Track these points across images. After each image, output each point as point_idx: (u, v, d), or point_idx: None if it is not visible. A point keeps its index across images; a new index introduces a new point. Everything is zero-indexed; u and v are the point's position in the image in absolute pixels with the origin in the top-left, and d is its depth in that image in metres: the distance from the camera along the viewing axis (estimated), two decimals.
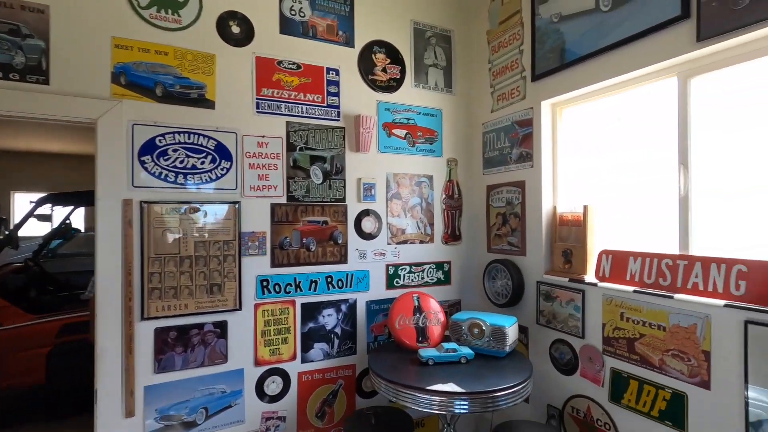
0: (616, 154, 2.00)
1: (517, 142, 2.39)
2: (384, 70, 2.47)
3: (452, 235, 2.70)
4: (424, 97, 2.61)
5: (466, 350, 2.01)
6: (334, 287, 2.31)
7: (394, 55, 2.50)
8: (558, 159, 2.25)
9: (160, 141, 1.93)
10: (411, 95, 2.57)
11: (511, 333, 2.07)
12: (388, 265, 2.48)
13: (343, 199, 2.35)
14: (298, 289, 2.22)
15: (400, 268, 2.52)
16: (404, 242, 2.53)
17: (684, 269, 1.64)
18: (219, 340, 2.04)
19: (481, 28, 2.67)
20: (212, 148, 2.04)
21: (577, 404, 2.04)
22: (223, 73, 2.08)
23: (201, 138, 2.01)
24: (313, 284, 2.26)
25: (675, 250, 1.73)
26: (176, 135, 1.97)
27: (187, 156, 1.98)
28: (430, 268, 2.61)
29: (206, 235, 2.02)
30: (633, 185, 1.94)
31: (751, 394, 1.41)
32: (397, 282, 2.51)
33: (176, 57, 1.97)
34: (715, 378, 1.51)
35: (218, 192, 2.05)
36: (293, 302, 2.22)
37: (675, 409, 1.63)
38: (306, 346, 2.25)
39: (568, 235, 2.16)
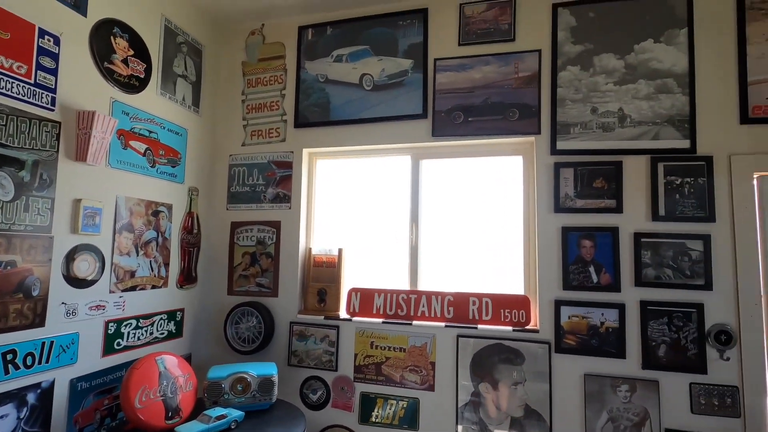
0: (364, 205, 2.40)
1: (274, 182, 2.39)
2: (126, 62, 1.88)
3: (188, 277, 2.28)
4: (170, 110, 2.15)
5: (235, 412, 1.75)
6: (17, 368, 1.44)
7: (139, 48, 1.96)
8: (314, 204, 2.42)
9: None
10: (156, 104, 2.06)
11: (277, 381, 1.98)
12: (108, 322, 1.79)
13: (48, 229, 1.55)
14: None
15: (125, 323, 1.88)
16: (133, 288, 1.92)
17: (415, 301, 2.16)
18: None
19: (235, 56, 2.53)
20: None
21: None
22: None
23: None
24: None
25: (407, 286, 2.25)
26: None
27: None
28: (161, 319, 2.09)
29: None
30: (377, 233, 2.37)
31: (460, 385, 2.02)
32: (118, 344, 1.85)
33: None
34: (438, 381, 2.06)
35: None
36: None
37: (411, 414, 2.08)
38: None
39: (321, 276, 2.34)
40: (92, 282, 1.72)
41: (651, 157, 1.90)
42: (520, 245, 2.12)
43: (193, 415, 1.77)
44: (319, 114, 2.35)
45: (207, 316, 2.41)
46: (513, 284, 2.13)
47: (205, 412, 1.70)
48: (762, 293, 1.75)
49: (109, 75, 1.79)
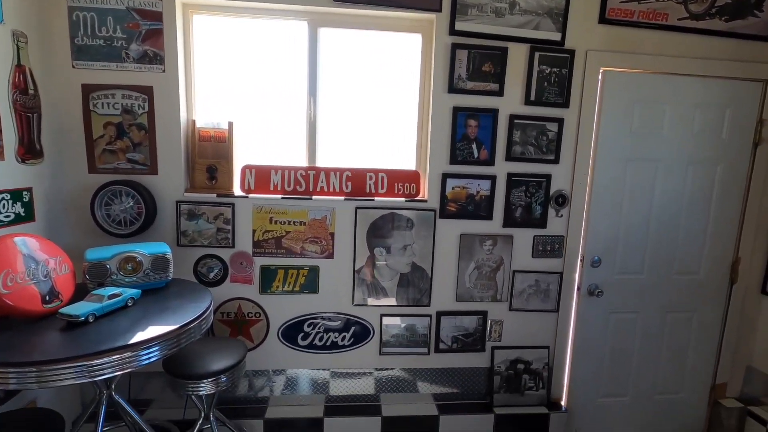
0: (256, 75, 2.17)
1: (138, 36, 1.96)
2: None
3: (30, 150, 1.84)
4: None
5: (131, 290, 1.63)
6: None
7: None
8: (194, 68, 2.09)
9: None
10: None
11: (172, 258, 1.87)
12: None
13: None
14: None
15: None
16: None
17: (314, 177, 2.18)
18: None
19: None
20: None
21: (226, 308, 2.21)
22: None
23: None
24: None
25: (305, 162, 2.23)
26: None
27: None
28: (4, 199, 1.69)
29: None
30: (271, 107, 2.21)
31: (357, 252, 2.22)
32: None
33: None
34: (337, 250, 2.21)
35: None
36: None
37: (311, 280, 2.23)
38: None
39: (209, 151, 2.13)
40: None
41: (531, 47, 2.13)
42: (414, 123, 2.25)
43: (76, 299, 1.59)
44: None
45: (64, 198, 2.03)
46: (405, 160, 2.29)
47: (95, 291, 1.55)
48: (590, 165, 2.26)
49: None
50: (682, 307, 2.44)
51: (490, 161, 2.20)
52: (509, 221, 2.26)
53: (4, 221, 1.71)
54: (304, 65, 2.15)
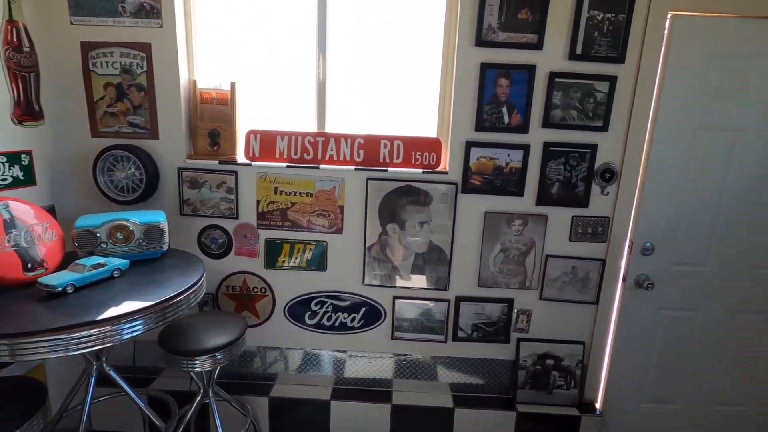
0: (261, 31, 1.98)
1: None
2: None
3: (28, 111, 1.78)
4: None
5: (117, 260, 1.54)
6: None
7: None
8: (194, 23, 1.93)
9: None
10: None
11: (167, 228, 1.77)
12: None
13: None
14: None
15: None
16: None
17: (323, 144, 1.98)
18: None
19: None
20: None
21: (231, 282, 2.11)
22: None
23: None
24: None
25: (313, 128, 2.04)
26: None
27: None
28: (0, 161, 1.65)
29: None
30: (274, 67, 2.02)
31: (368, 227, 2.02)
32: None
33: None
34: (346, 224, 2.03)
35: None
36: None
37: (319, 256, 2.07)
38: None
39: (211, 115, 1.99)
40: None
41: None
42: (436, 85, 1.97)
43: (64, 266, 1.53)
44: None
45: (68, 162, 1.98)
46: (425, 127, 2.03)
47: (78, 261, 1.47)
48: (647, 134, 1.88)
49: None
50: (757, 307, 2.04)
51: (523, 128, 1.88)
52: (544, 198, 1.95)
53: (0, 184, 1.67)
54: (313, 18, 1.92)
